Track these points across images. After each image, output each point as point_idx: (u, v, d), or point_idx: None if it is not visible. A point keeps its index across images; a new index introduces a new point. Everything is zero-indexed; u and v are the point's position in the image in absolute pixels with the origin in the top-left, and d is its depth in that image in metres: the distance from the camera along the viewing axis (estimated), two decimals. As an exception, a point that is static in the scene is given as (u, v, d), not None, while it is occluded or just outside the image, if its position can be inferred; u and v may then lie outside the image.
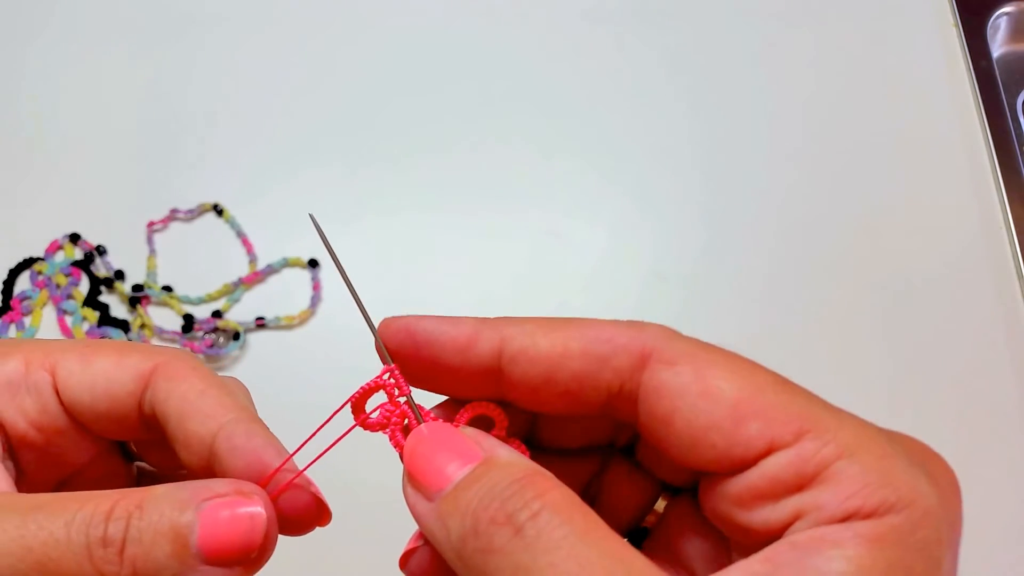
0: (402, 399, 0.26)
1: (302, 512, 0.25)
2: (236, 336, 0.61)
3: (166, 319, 0.63)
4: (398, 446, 0.26)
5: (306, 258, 0.64)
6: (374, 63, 0.74)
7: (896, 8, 0.75)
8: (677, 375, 0.23)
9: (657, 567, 0.20)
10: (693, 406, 0.22)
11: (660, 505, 0.27)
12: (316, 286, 0.64)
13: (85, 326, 0.63)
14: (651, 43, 0.74)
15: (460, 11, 0.76)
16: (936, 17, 0.74)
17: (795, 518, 0.21)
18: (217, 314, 0.63)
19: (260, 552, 0.24)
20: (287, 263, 0.64)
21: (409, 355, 0.25)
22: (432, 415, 0.26)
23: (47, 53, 0.74)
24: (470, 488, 0.22)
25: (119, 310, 0.63)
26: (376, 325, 0.26)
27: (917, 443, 0.23)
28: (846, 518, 0.20)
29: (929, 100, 0.71)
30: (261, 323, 0.62)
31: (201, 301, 0.63)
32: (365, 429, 0.27)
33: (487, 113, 0.71)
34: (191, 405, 0.26)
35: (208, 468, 0.26)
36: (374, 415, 0.26)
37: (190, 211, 0.67)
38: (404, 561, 0.25)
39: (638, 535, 0.27)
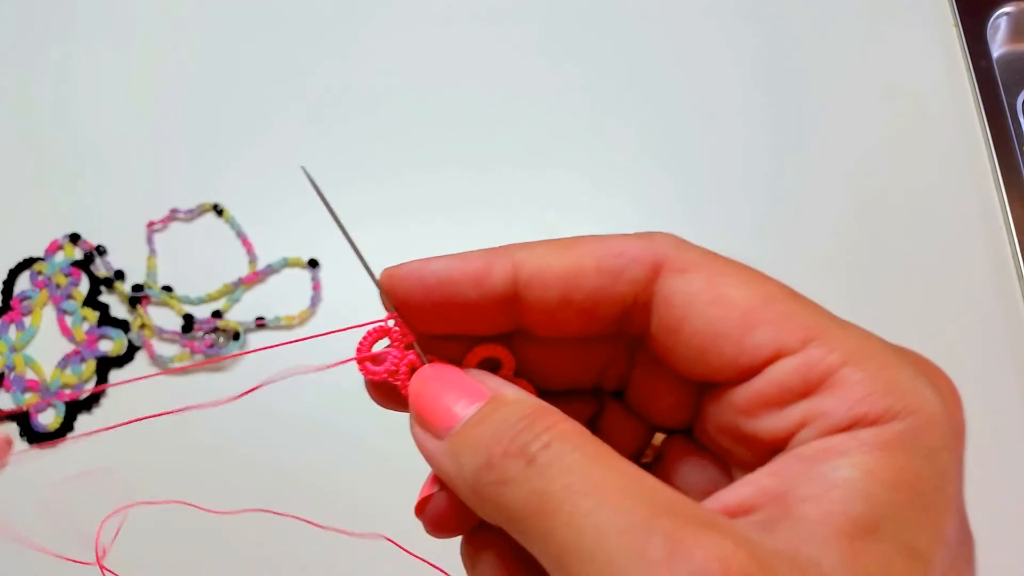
0: (407, 348, 0.26)
1: None
2: (236, 336, 0.61)
3: (166, 319, 0.63)
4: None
5: (306, 258, 0.64)
6: (374, 65, 0.74)
7: (896, 8, 0.75)
8: (689, 283, 0.23)
9: (667, 484, 0.20)
10: (704, 313, 0.22)
11: (658, 439, 0.27)
12: (316, 286, 0.64)
13: (85, 326, 0.63)
14: (650, 46, 0.74)
15: (459, 16, 0.76)
16: (936, 17, 0.74)
17: (801, 425, 0.21)
18: (217, 314, 0.63)
19: None
20: (287, 263, 0.64)
21: (419, 299, 0.25)
22: (437, 359, 0.26)
23: (46, 54, 0.74)
24: (480, 424, 0.22)
25: (119, 310, 0.63)
26: (378, 276, 0.26)
27: (920, 356, 0.23)
28: (851, 425, 0.20)
29: (929, 100, 0.71)
30: (261, 323, 0.62)
31: (201, 301, 0.63)
32: (370, 378, 0.26)
33: (487, 116, 0.71)
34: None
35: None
36: (382, 365, 0.26)
37: (190, 211, 0.67)
38: (420, 508, 0.25)
39: None
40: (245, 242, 0.65)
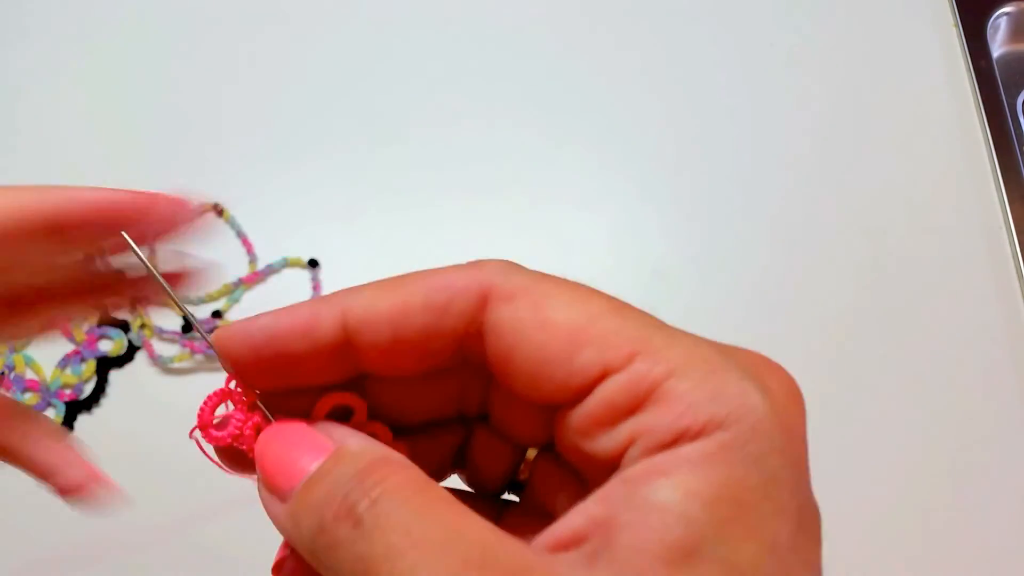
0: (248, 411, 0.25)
1: None
2: (236, 336, 0.61)
3: (166, 319, 0.63)
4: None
5: (306, 258, 0.64)
6: (374, 62, 0.74)
7: (896, 8, 0.75)
8: (515, 310, 0.22)
9: (498, 529, 0.19)
10: (531, 340, 0.22)
11: (531, 453, 0.27)
12: (316, 286, 0.64)
13: (85, 326, 0.63)
14: (654, 40, 0.74)
15: (461, 12, 0.76)
16: (936, 17, 0.74)
17: (629, 443, 0.21)
18: (217, 314, 0.63)
19: None
20: (287, 263, 0.64)
21: (252, 357, 0.24)
22: (284, 416, 0.25)
23: (46, 53, 0.74)
24: (317, 485, 0.21)
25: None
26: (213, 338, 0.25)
27: (755, 355, 0.22)
28: (675, 440, 0.20)
29: (929, 100, 0.71)
30: (261, 323, 0.62)
31: (201, 301, 0.63)
32: (214, 444, 0.25)
33: (488, 111, 0.71)
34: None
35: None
36: (225, 429, 0.24)
37: (190, 211, 0.66)
38: (277, 569, 0.25)
39: (517, 487, 0.27)
40: (245, 242, 0.65)
